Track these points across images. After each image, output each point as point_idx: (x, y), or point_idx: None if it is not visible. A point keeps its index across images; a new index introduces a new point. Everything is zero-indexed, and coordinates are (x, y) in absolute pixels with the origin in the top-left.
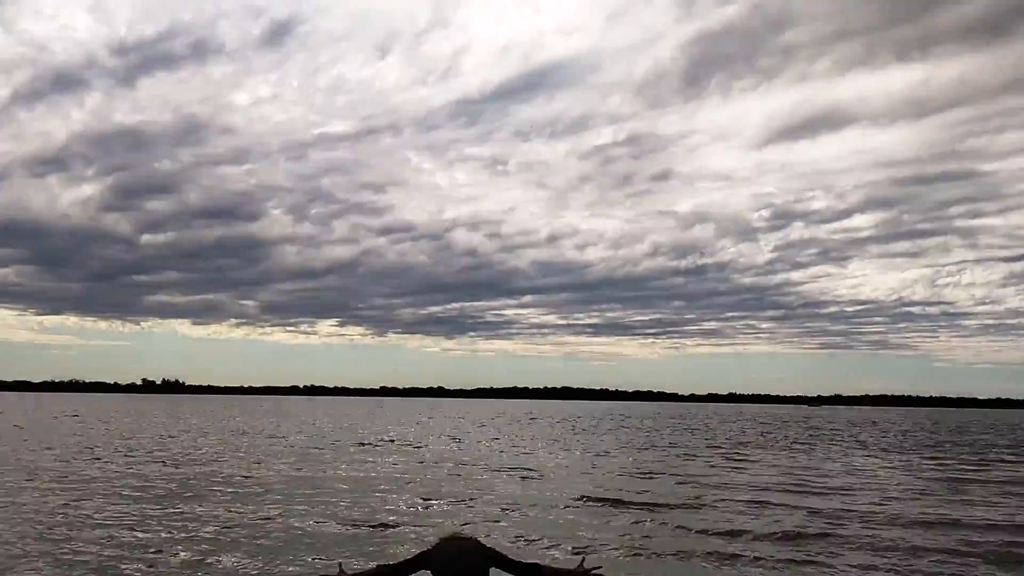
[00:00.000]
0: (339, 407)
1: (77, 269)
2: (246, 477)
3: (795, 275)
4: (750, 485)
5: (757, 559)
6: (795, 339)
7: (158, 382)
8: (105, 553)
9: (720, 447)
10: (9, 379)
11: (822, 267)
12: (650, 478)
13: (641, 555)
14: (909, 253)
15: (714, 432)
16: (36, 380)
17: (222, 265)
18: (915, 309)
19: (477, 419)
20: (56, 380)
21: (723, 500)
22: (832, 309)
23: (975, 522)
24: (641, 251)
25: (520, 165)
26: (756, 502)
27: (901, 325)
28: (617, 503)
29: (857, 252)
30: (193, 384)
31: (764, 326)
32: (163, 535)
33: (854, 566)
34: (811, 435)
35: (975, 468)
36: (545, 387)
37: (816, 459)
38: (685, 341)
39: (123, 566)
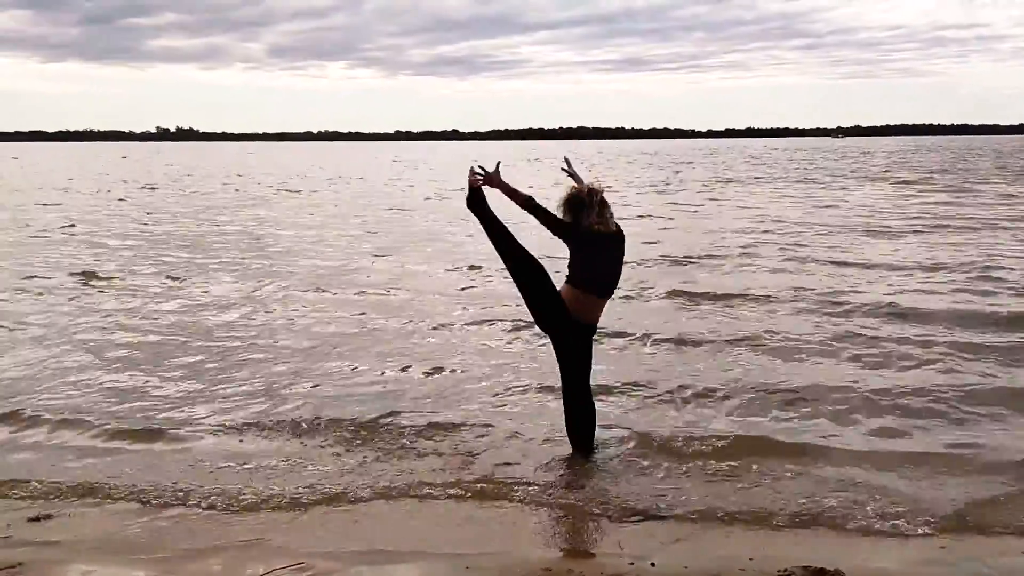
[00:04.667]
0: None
1: (72, 12)
2: None
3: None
4: None
5: None
6: (820, 69)
7: (172, 130)
8: None
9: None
10: (25, 129)
11: None
12: None
13: None
14: None
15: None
16: (51, 130)
17: (221, 4)
18: (948, 32)
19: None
20: (71, 130)
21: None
22: (862, 35)
23: None
24: None
25: None
26: None
27: (931, 51)
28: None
29: None
30: (207, 131)
31: (789, 56)
32: None
33: None
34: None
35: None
36: (561, 127)
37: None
38: (705, 76)
39: None
